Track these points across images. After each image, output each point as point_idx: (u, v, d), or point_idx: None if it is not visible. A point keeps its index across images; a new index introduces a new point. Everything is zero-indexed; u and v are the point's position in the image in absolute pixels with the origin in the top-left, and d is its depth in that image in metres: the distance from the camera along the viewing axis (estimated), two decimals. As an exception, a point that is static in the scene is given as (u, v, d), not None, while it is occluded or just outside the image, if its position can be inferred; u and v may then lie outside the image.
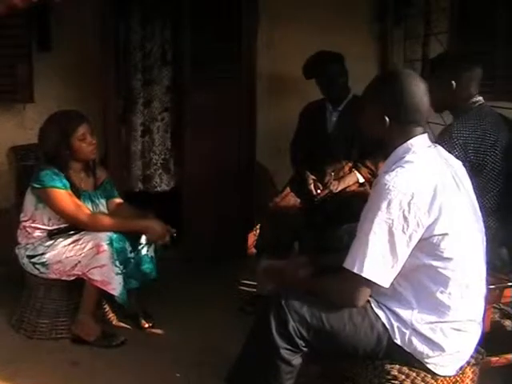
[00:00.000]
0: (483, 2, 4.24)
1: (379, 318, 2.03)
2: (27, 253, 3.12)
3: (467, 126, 2.65)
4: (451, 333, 2.01)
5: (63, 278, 3.07)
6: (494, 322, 2.61)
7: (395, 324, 2.01)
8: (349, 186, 3.57)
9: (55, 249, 3.06)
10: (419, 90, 2.04)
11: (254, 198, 4.28)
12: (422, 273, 1.99)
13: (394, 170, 1.97)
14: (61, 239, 3.08)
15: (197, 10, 4.08)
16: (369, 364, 2.08)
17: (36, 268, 3.10)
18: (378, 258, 1.93)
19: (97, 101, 4.07)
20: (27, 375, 2.75)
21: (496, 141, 2.66)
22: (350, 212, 2.69)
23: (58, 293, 3.14)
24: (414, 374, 2.05)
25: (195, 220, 4.25)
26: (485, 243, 2.14)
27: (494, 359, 2.49)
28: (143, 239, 3.18)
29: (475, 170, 2.56)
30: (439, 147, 2.16)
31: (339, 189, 3.54)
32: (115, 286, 2.97)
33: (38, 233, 3.13)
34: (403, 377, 2.05)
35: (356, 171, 3.60)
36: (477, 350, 2.14)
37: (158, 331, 3.26)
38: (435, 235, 1.95)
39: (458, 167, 2.15)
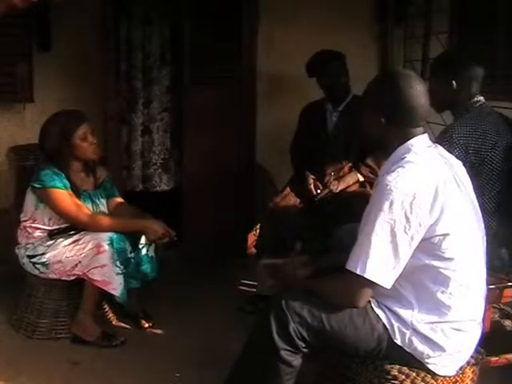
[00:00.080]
0: (483, 1, 4.25)
1: (379, 319, 2.03)
2: (27, 253, 3.12)
3: (468, 126, 2.65)
4: (451, 333, 2.01)
5: (63, 278, 3.07)
6: (494, 321, 2.60)
7: (395, 324, 2.01)
8: (349, 186, 3.57)
9: (55, 249, 3.06)
10: (418, 91, 2.04)
11: (254, 198, 4.28)
12: (423, 273, 1.99)
13: (394, 170, 1.97)
14: (61, 239, 3.08)
15: (197, 10, 4.09)
16: (369, 364, 2.08)
17: (36, 268, 3.10)
18: (380, 259, 1.93)
19: (97, 101, 4.07)
20: (27, 375, 2.75)
21: (496, 141, 2.66)
22: (350, 212, 2.69)
23: (57, 293, 3.14)
24: (414, 374, 2.05)
25: (195, 220, 4.25)
26: (485, 243, 2.14)
27: (493, 359, 2.48)
28: (143, 239, 3.18)
29: (475, 170, 2.56)
30: (440, 147, 2.16)
31: (339, 189, 3.53)
32: (116, 286, 2.97)
33: (38, 233, 3.13)
34: (403, 377, 2.05)
35: (356, 171, 3.60)
36: (477, 350, 2.15)
37: (158, 331, 3.26)
38: (436, 235, 1.95)
39: (458, 167, 2.15)
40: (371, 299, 2.04)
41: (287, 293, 2.09)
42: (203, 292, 3.70)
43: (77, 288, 3.08)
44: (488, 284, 2.17)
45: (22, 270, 3.17)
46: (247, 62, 4.28)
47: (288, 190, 3.66)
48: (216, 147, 4.21)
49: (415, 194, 1.92)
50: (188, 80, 4.19)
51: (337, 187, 3.53)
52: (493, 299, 2.47)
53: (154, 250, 3.24)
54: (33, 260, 3.10)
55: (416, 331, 2.00)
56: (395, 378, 2.05)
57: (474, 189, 2.16)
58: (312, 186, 3.57)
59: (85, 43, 4.09)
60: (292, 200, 3.60)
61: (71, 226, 3.10)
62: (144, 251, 3.19)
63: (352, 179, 3.58)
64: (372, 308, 2.04)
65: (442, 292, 1.99)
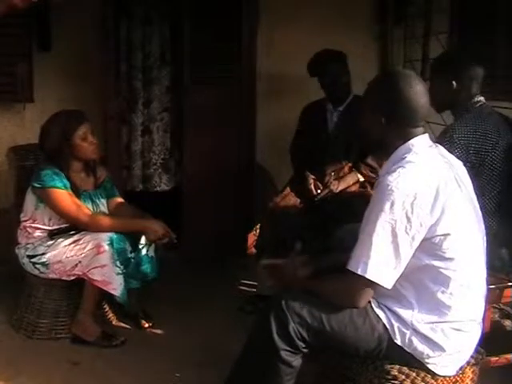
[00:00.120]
0: (483, 1, 4.25)
1: (380, 319, 2.03)
2: (27, 253, 3.12)
3: (468, 127, 2.65)
4: (451, 333, 2.01)
5: (63, 278, 3.07)
6: (494, 321, 2.60)
7: (395, 324, 2.01)
8: (349, 186, 3.57)
9: (55, 249, 3.06)
10: (418, 91, 2.04)
11: (254, 198, 4.28)
12: (424, 273, 1.99)
13: (395, 170, 1.97)
14: (61, 239, 3.08)
15: (197, 10, 4.09)
16: (369, 364, 2.08)
17: (36, 268, 3.10)
18: (381, 260, 1.93)
19: (97, 101, 4.07)
20: (27, 375, 2.75)
21: (497, 141, 2.66)
22: (351, 212, 2.69)
23: (57, 293, 3.14)
24: (414, 374, 2.05)
25: (195, 220, 4.25)
26: (485, 243, 2.14)
27: (493, 359, 2.48)
28: (143, 239, 3.18)
29: (476, 171, 2.56)
30: (440, 147, 2.16)
31: (339, 189, 3.53)
32: (116, 286, 2.97)
33: (38, 233, 3.13)
34: (403, 377, 2.05)
35: (356, 171, 3.60)
36: (477, 350, 2.14)
37: (158, 331, 3.26)
38: (437, 235, 1.95)
39: (459, 167, 2.15)
40: (371, 299, 2.04)
41: (287, 293, 2.09)
42: (203, 292, 3.70)
43: (77, 288, 3.08)
44: (488, 284, 2.17)
45: (22, 270, 3.17)
46: (247, 62, 4.28)
47: (288, 189, 3.65)
48: (216, 147, 4.21)
49: (416, 195, 1.92)
50: (188, 80, 4.19)
51: (337, 187, 3.53)
52: (493, 299, 2.47)
53: (153, 250, 3.24)
54: (33, 260, 3.10)
55: (416, 331, 2.00)
56: (395, 378, 2.05)
57: (474, 189, 2.16)
58: (312, 186, 3.57)
59: (85, 43, 4.09)
60: (292, 200, 3.60)
61: (71, 226, 3.10)
62: (144, 251, 3.19)
63: (352, 179, 3.58)
64: (372, 308, 2.04)
65: (443, 292, 1.98)
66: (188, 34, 4.12)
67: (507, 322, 2.72)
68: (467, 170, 2.20)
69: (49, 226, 3.12)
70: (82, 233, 3.07)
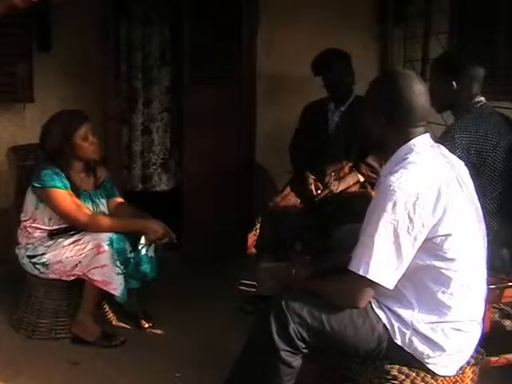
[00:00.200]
0: (483, 1, 4.25)
1: (380, 319, 2.02)
2: (27, 253, 3.12)
3: (469, 127, 2.64)
4: (452, 333, 2.01)
5: (63, 278, 3.07)
6: (494, 321, 2.60)
7: (396, 324, 2.01)
8: (349, 187, 3.57)
9: (55, 249, 3.06)
10: (418, 91, 2.03)
11: (254, 198, 4.28)
12: (425, 273, 1.99)
13: (397, 171, 1.97)
14: (61, 239, 3.08)
15: (197, 10, 4.09)
16: (369, 364, 2.08)
17: (36, 268, 3.10)
18: (383, 260, 1.92)
19: (97, 101, 4.07)
20: (27, 375, 2.75)
21: (498, 141, 2.65)
22: (351, 212, 2.70)
23: (57, 293, 3.14)
24: (414, 374, 2.05)
25: (195, 220, 4.25)
26: (486, 244, 2.14)
27: (493, 359, 2.48)
28: (143, 239, 3.18)
29: (477, 171, 2.56)
30: (442, 147, 2.16)
31: (340, 189, 3.53)
32: (116, 286, 2.97)
33: (38, 233, 3.13)
34: (403, 377, 2.05)
35: (356, 171, 3.59)
36: (477, 350, 2.14)
37: (158, 331, 3.26)
38: (438, 236, 1.95)
39: (460, 167, 2.15)
40: (372, 299, 2.03)
41: (287, 293, 2.09)
42: (203, 292, 3.69)
43: (77, 288, 3.08)
44: (488, 284, 2.17)
45: (22, 270, 3.17)
46: (247, 62, 4.28)
47: (288, 189, 3.65)
48: (216, 147, 4.21)
49: (418, 195, 1.92)
50: (188, 80, 4.19)
51: (337, 187, 3.53)
52: (493, 299, 2.47)
53: (153, 250, 3.23)
54: (33, 260, 3.10)
55: (416, 331, 2.00)
56: (395, 378, 2.05)
57: (475, 189, 2.16)
58: (312, 187, 3.57)
59: (85, 43, 4.09)
60: (292, 200, 3.60)
61: (71, 226, 3.10)
62: (144, 251, 3.19)
63: (352, 180, 3.58)
64: (372, 308, 2.04)
65: (443, 292, 1.98)
66: (188, 34, 4.12)
67: (507, 322, 2.72)
68: (468, 170, 2.20)
69: (49, 226, 3.12)
70: (82, 233, 3.07)
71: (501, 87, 3.98)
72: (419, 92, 2.03)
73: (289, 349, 2.01)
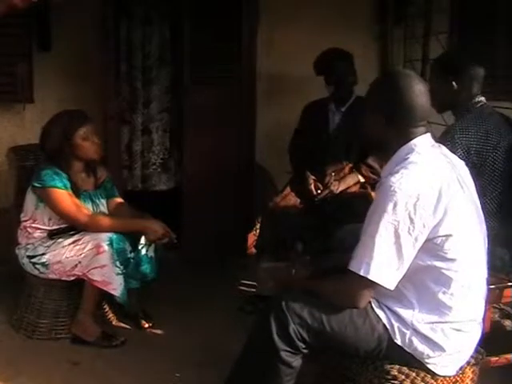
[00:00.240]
0: (483, 1, 4.25)
1: (380, 319, 2.02)
2: (27, 253, 3.12)
3: (470, 127, 2.64)
4: (452, 333, 2.01)
5: (63, 279, 3.07)
6: (494, 321, 2.60)
7: (396, 324, 2.01)
8: (349, 187, 3.57)
9: (55, 249, 3.06)
10: (418, 91, 2.03)
11: (254, 198, 4.28)
12: (425, 274, 1.99)
13: (398, 171, 1.97)
14: (61, 239, 3.08)
15: (197, 10, 4.08)
16: (369, 364, 2.08)
17: (36, 268, 3.10)
18: (384, 261, 1.92)
19: (97, 101, 4.07)
20: (27, 375, 2.75)
21: (498, 142, 2.65)
22: (351, 213, 2.70)
23: (57, 293, 3.14)
24: (414, 374, 2.05)
25: (195, 220, 4.24)
26: (486, 244, 2.14)
27: (493, 359, 2.48)
28: (143, 239, 3.18)
29: (477, 171, 2.55)
30: (443, 147, 2.16)
31: (340, 189, 3.53)
32: (116, 286, 2.97)
33: (38, 233, 3.13)
34: (403, 377, 2.05)
35: (356, 172, 3.59)
36: (477, 350, 2.14)
37: (158, 331, 3.26)
38: (439, 236, 1.95)
39: (461, 167, 2.15)
40: (372, 299, 2.03)
41: (287, 294, 2.09)
42: (203, 292, 3.69)
43: (77, 288, 3.08)
44: (488, 284, 2.17)
45: (21, 270, 3.17)
46: (247, 62, 4.28)
47: (288, 189, 3.65)
48: (216, 147, 4.21)
49: (419, 196, 1.92)
50: (188, 80, 4.19)
51: (337, 188, 3.53)
52: (493, 299, 2.47)
53: (153, 251, 3.24)
54: (33, 260, 3.10)
55: (416, 331, 2.00)
56: (395, 378, 2.05)
57: (475, 189, 2.16)
58: (312, 187, 3.56)
59: (85, 43, 4.09)
60: (292, 200, 3.60)
61: (71, 226, 3.10)
62: (143, 251, 3.19)
63: (352, 180, 3.58)
64: (372, 308, 2.04)
65: (444, 293, 1.98)
66: (188, 34, 4.12)
67: (507, 322, 2.72)
68: (469, 170, 2.20)
69: (49, 226, 3.12)
70: (82, 233, 3.07)
71: (501, 87, 3.98)
72: (419, 92, 2.03)
73: (289, 349, 2.01)
